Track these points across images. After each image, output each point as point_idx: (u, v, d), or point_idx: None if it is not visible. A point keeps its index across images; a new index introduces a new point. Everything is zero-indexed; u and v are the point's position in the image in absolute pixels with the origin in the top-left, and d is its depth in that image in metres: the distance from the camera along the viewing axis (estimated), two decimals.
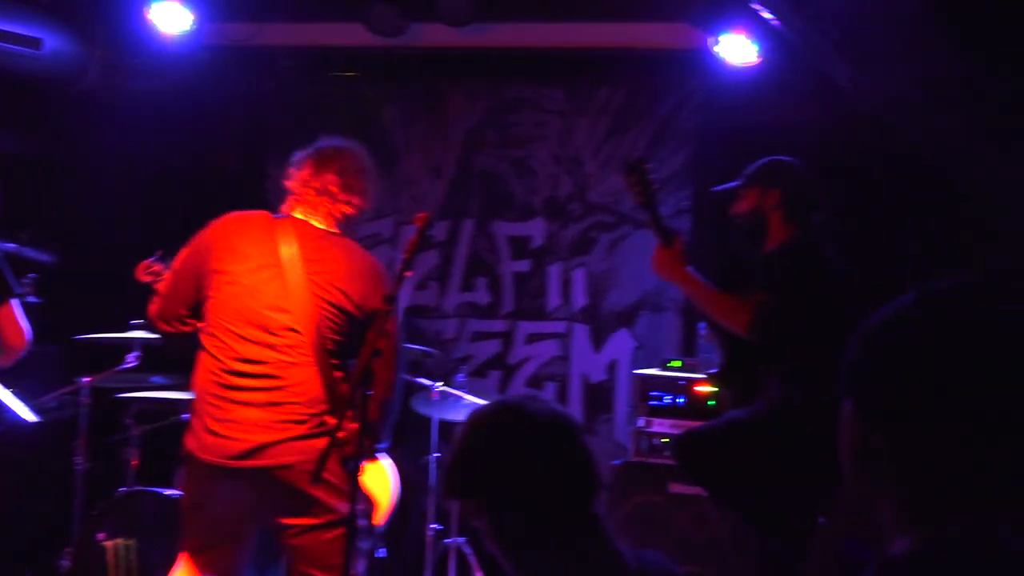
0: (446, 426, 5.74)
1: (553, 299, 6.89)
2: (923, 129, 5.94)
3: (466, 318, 7.00)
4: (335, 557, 3.89)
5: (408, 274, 3.73)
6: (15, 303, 4.87)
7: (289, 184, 4.24)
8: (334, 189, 4.16)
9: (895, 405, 1.47)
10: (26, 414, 5.31)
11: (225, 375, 3.98)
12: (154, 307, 4.23)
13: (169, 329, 4.17)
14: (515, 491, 2.25)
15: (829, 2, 5.31)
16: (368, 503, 4.11)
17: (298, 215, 4.16)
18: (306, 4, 6.94)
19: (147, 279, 4.69)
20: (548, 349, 6.90)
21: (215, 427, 3.95)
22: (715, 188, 4.86)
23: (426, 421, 5.95)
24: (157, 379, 5.85)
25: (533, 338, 6.92)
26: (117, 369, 5.67)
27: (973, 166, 5.98)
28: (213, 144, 7.38)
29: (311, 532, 3.95)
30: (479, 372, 6.84)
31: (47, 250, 6.15)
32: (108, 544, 5.15)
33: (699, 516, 5.44)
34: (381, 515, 4.17)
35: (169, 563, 4.97)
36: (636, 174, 4.52)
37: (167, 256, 4.73)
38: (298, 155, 4.29)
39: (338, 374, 4.05)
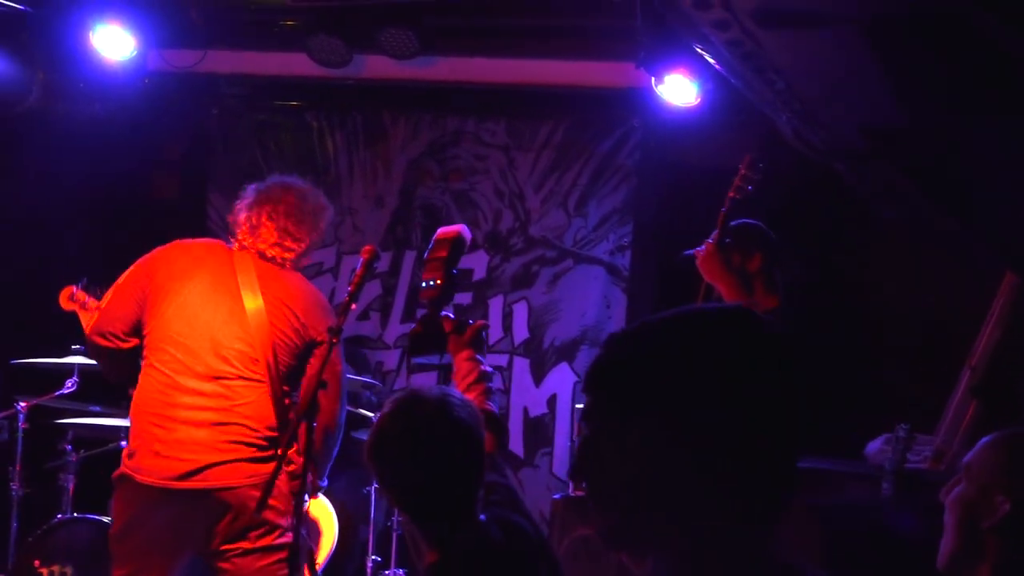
0: None
1: (494, 332, 7.02)
2: (863, 177, 6.16)
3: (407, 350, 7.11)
4: None
5: (354, 307, 3.84)
6: None
7: (238, 219, 4.33)
8: (283, 227, 4.28)
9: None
10: None
11: (172, 392, 4.02)
12: (92, 322, 4.27)
13: (106, 344, 4.20)
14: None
15: (773, 54, 5.51)
16: (315, 533, 4.18)
17: (248, 246, 4.26)
18: (251, 33, 7.03)
19: (70, 307, 4.74)
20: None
21: (159, 448, 3.98)
22: (686, 253, 4.88)
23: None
24: (96, 407, 5.88)
25: None
26: (56, 394, 5.71)
27: (912, 214, 6.20)
28: (154, 171, 7.46)
29: (249, 556, 3.99)
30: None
31: None
32: (44, 571, 5.17)
33: None
34: (323, 554, 4.24)
35: None
36: (751, 170, 4.55)
37: (91, 285, 4.76)
38: (247, 191, 4.39)
39: (287, 401, 4.14)
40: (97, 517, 5.32)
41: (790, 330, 4.36)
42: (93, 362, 5.62)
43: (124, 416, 5.57)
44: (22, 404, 5.68)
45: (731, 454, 1.50)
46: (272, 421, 4.05)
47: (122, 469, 4.06)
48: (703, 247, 4.53)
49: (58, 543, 5.26)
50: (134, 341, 4.18)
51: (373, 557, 5.89)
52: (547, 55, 6.89)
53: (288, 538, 3.93)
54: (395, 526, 5.85)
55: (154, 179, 7.46)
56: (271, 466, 3.84)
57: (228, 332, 4.06)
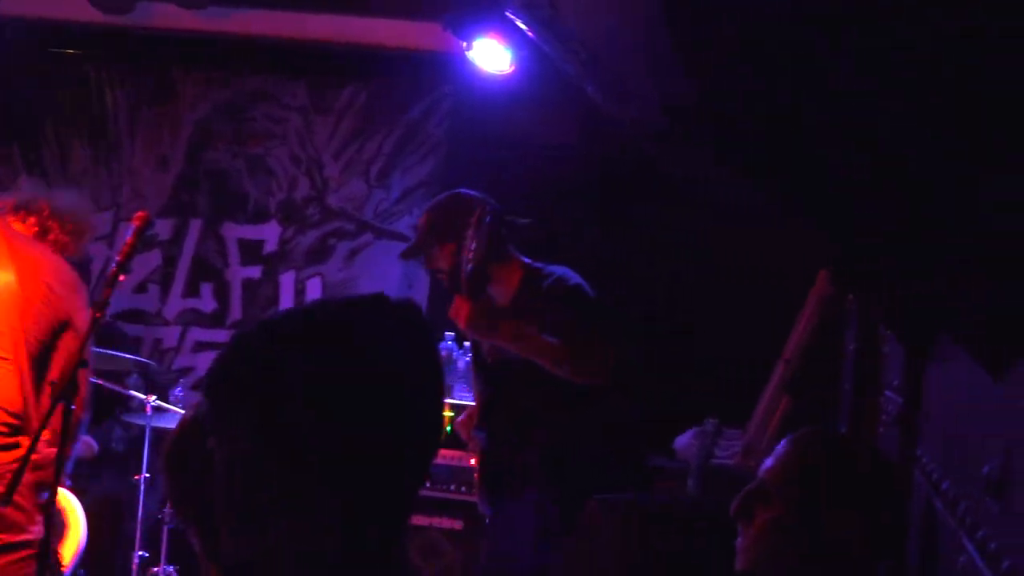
0: (159, 443, 5.40)
1: (285, 308, 6.62)
2: (667, 154, 5.97)
3: (189, 326, 6.64)
4: None
5: (122, 278, 3.55)
6: None
7: None
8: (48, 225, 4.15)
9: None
10: None
11: None
12: None
13: None
14: None
15: (579, 24, 5.27)
16: (58, 529, 3.79)
17: None
18: None
19: None
20: None
21: None
22: (404, 253, 4.51)
23: (138, 438, 5.60)
24: None
25: None
26: None
27: (714, 191, 6.03)
28: None
29: None
30: (199, 386, 6.49)
31: None
32: None
33: (429, 548, 5.29)
34: (70, 553, 3.86)
35: None
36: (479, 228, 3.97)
37: None
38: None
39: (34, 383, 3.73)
40: None
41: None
42: None
43: None
44: None
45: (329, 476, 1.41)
46: (20, 406, 3.63)
47: None
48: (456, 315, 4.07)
49: None
50: None
51: (140, 553, 5.47)
52: (352, 11, 6.50)
53: (34, 534, 3.57)
54: (166, 519, 5.42)
55: None
56: (13, 454, 3.46)
57: None
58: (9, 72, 6.78)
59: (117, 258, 3.56)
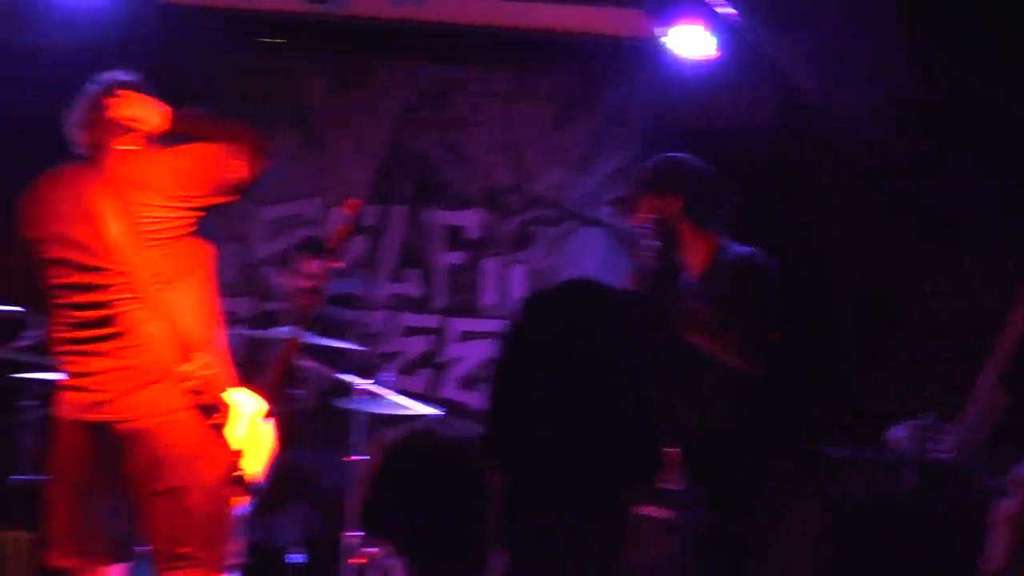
0: (370, 426, 5.60)
1: (489, 296, 6.79)
2: (886, 146, 6.00)
3: (396, 311, 6.86)
4: (199, 529, 3.67)
5: (336, 265, 3.68)
6: None
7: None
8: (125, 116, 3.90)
9: None
10: None
11: (72, 329, 3.80)
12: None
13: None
14: None
15: (806, 15, 5.33)
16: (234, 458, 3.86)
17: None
18: None
19: None
20: (482, 349, 6.78)
21: (73, 382, 3.79)
22: (609, 199, 4.61)
23: (347, 421, 5.79)
24: None
25: (467, 336, 6.82)
26: (14, 345, 5.45)
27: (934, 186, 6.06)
28: None
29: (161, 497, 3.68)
30: (407, 370, 6.70)
31: None
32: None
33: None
34: (256, 467, 3.92)
35: None
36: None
37: None
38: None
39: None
40: None
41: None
42: None
43: None
44: None
45: None
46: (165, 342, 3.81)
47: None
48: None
49: (15, 506, 5.03)
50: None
51: (352, 532, 5.65)
52: None
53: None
54: None
55: None
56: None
57: (103, 257, 3.81)
58: (211, 62, 7.06)
59: (329, 245, 3.72)
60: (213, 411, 3.69)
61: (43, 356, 5.58)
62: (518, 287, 6.78)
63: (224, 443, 3.68)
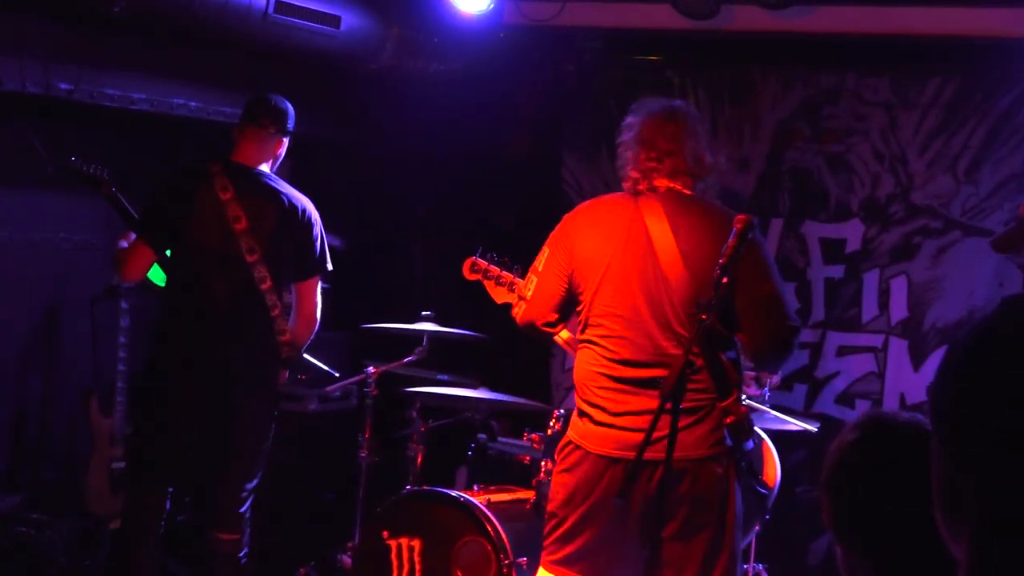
0: None
1: (869, 309, 6.67)
2: None
3: None
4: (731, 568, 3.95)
5: (725, 280, 3.64)
6: (319, 283, 5.17)
7: (629, 153, 4.22)
8: (680, 149, 4.20)
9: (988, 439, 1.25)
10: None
11: (614, 365, 4.03)
12: (521, 314, 4.34)
13: (544, 332, 4.30)
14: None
15: None
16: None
17: (658, 185, 4.17)
18: None
19: (473, 277, 4.84)
20: (861, 364, 6.68)
21: (607, 419, 4.01)
22: (995, 241, 4.37)
23: None
24: (444, 376, 5.95)
25: (844, 351, 6.73)
26: (404, 361, 5.81)
27: None
28: (507, 130, 7.45)
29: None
30: (784, 385, 6.68)
31: (335, 235, 6.35)
32: (391, 543, 5.23)
33: None
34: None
35: (448, 569, 5.08)
36: None
37: (488, 252, 4.85)
38: (629, 121, 4.30)
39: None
40: (444, 490, 5.34)
41: None
42: (443, 329, 5.71)
43: (472, 387, 5.62)
44: (371, 370, 5.79)
45: None
46: (709, 379, 4.00)
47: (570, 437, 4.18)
48: None
49: (407, 515, 5.29)
50: (563, 326, 4.30)
51: None
52: (935, 2, 6.46)
53: None
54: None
55: (507, 139, 7.46)
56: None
57: (656, 292, 4.05)
58: (588, 80, 7.28)
59: (720, 261, 3.64)
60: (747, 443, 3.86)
61: (431, 372, 5.96)
62: (899, 300, 6.62)
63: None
